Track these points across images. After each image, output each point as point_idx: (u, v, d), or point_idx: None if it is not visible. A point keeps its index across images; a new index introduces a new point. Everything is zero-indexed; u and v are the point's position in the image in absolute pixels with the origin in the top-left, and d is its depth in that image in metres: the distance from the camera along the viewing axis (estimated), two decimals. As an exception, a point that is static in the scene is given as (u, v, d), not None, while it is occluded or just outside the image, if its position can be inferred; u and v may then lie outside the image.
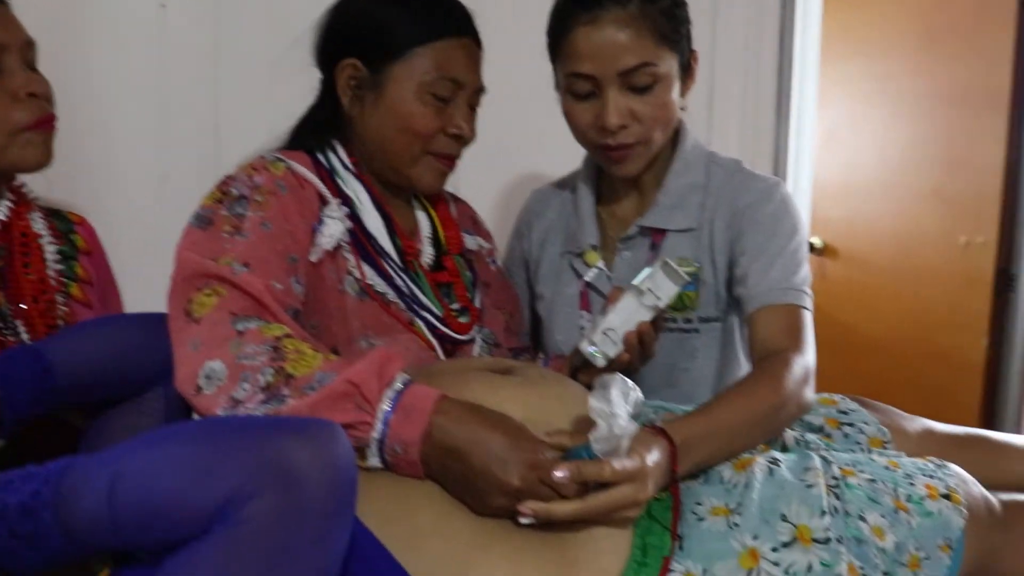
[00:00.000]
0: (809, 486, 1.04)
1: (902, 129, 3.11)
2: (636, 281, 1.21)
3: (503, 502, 0.92)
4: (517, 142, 1.91)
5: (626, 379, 0.94)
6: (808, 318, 1.28)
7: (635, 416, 0.94)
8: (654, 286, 1.19)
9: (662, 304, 1.19)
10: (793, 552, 0.98)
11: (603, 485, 0.92)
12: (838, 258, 3.37)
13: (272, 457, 0.72)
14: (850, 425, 1.30)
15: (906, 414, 1.38)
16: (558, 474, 0.91)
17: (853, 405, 1.35)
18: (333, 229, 1.20)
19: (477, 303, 1.38)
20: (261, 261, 1.08)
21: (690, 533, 1.01)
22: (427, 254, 1.35)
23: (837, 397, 1.36)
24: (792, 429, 1.25)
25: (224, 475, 0.71)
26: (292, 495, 0.71)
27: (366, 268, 1.24)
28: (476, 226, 1.51)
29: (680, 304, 1.41)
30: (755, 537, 0.99)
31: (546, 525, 0.93)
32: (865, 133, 3.25)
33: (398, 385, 0.95)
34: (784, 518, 1.01)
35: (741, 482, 1.06)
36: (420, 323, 1.25)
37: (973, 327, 2.85)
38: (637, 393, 0.94)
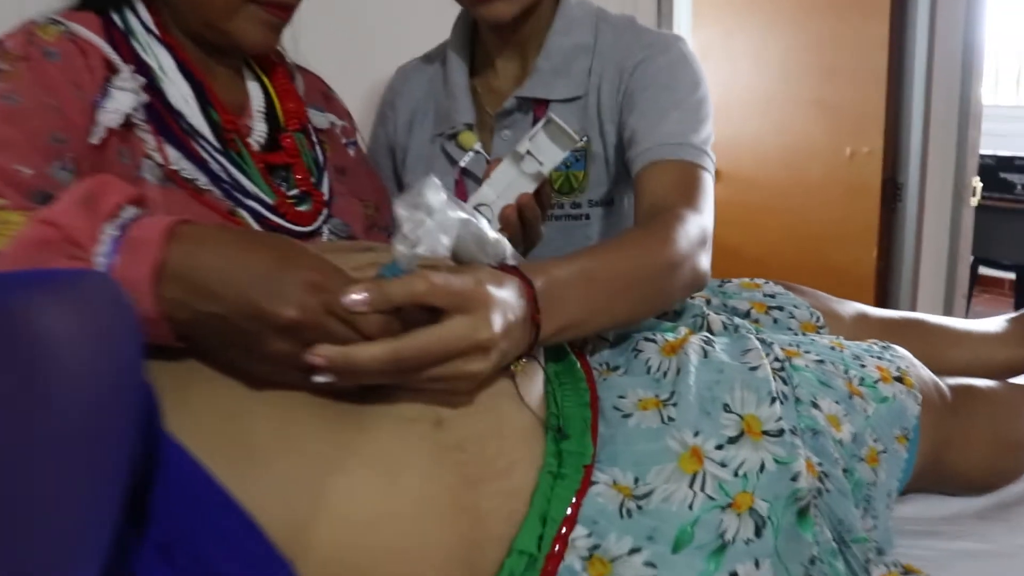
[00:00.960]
0: (752, 368, 0.84)
1: (779, 39, 3.01)
2: (517, 146, 0.98)
3: (282, 346, 0.65)
4: (382, 19, 1.64)
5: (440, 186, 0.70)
6: (708, 181, 1.06)
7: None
8: (535, 149, 0.97)
9: (546, 170, 0.97)
10: (742, 448, 0.78)
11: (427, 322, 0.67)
12: (721, 180, 3.25)
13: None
14: (779, 309, 1.12)
15: (836, 298, 1.22)
16: (353, 296, 0.64)
17: (779, 288, 1.17)
18: (119, 102, 0.94)
19: (324, 189, 1.12)
20: None
21: (615, 434, 0.79)
22: (259, 132, 1.08)
23: (760, 281, 1.18)
24: (717, 314, 1.06)
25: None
26: (27, 379, 0.45)
27: (169, 150, 0.97)
28: (328, 102, 1.25)
29: (566, 186, 1.20)
30: (696, 433, 0.78)
31: (379, 397, 0.68)
32: (739, 48, 3.13)
33: (119, 218, 0.68)
34: (727, 408, 0.81)
35: (671, 368, 0.85)
36: (244, 213, 1.00)
37: (862, 239, 2.80)
38: (457, 213, 0.69)
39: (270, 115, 1.11)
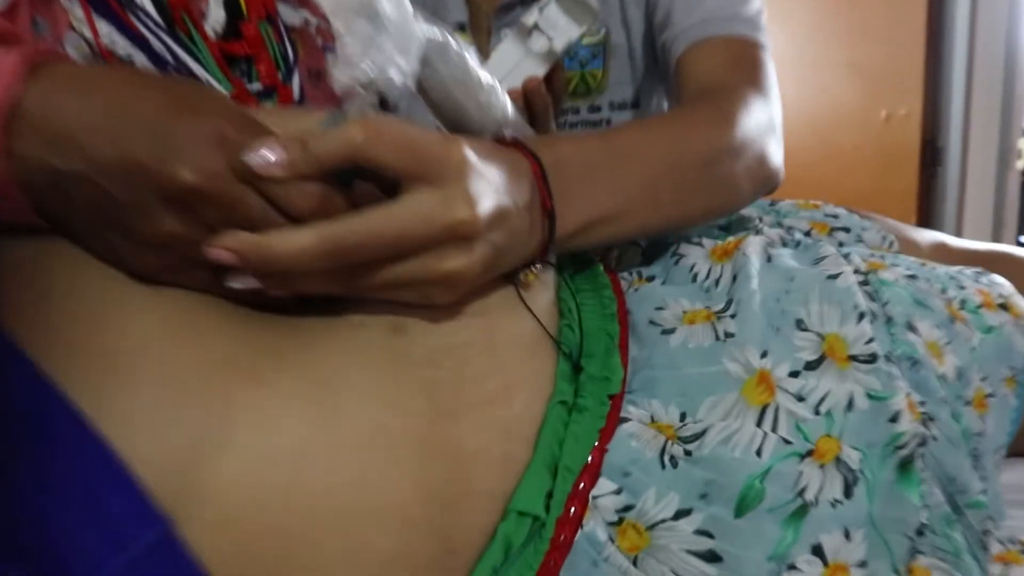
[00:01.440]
0: (831, 277, 0.64)
1: (806, 1, 2.82)
2: (523, 18, 0.80)
3: (175, 227, 0.45)
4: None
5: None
6: (770, 63, 0.86)
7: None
8: (545, 22, 0.79)
9: (558, 48, 0.79)
10: (824, 376, 0.57)
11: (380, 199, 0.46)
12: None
13: None
14: (844, 230, 0.91)
15: (909, 225, 1.01)
16: (264, 154, 0.44)
17: (842, 210, 0.96)
18: None
19: (293, 85, 0.93)
20: None
21: (652, 355, 0.58)
22: (215, 17, 0.89)
23: (818, 202, 0.97)
24: (774, 227, 0.85)
25: None
26: None
27: (100, 23, 0.78)
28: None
29: (582, 87, 1.04)
30: (764, 354, 0.58)
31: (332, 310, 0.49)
32: (767, 10, 2.94)
33: None
34: (801, 325, 0.60)
35: (725, 274, 0.64)
36: None
37: (900, 206, 2.64)
38: (427, 31, 0.50)
39: (230, 4, 0.93)
